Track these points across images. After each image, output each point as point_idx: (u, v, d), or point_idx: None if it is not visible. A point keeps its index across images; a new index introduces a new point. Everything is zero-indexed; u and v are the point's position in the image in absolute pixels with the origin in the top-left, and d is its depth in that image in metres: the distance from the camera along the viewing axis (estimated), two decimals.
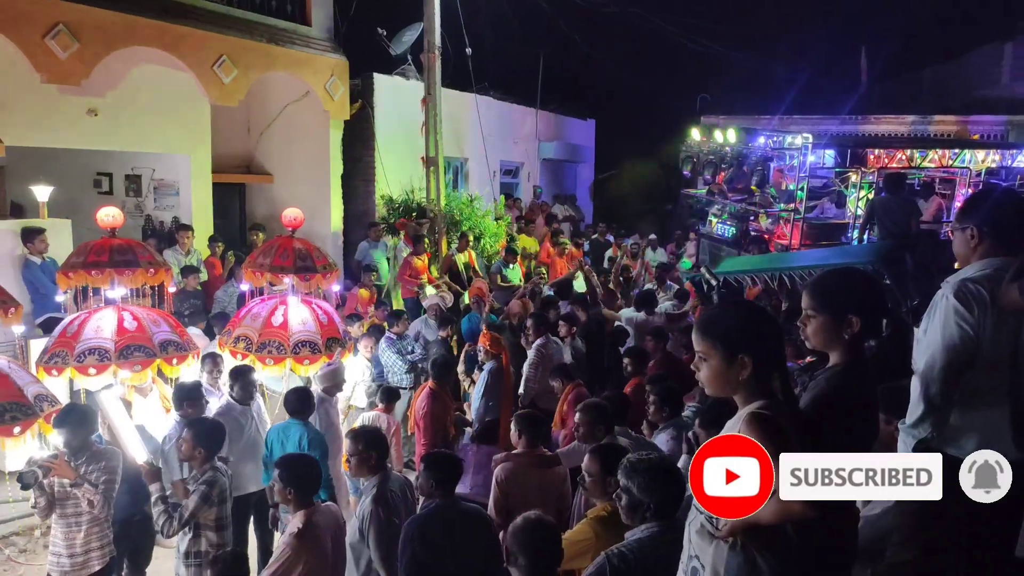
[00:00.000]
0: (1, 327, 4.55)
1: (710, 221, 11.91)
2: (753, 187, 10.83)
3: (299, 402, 5.06)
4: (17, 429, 3.94)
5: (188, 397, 4.87)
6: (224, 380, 5.55)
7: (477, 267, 11.09)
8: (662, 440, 4.48)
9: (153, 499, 4.01)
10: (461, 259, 10.84)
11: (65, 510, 4.12)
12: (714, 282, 7.48)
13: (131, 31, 8.61)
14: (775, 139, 10.09)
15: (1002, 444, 2.53)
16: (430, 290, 9.70)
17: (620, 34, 17.13)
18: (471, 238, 11.32)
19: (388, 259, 11.00)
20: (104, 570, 4.23)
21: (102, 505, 4.10)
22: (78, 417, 4.22)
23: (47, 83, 7.97)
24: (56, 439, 4.32)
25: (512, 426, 4.41)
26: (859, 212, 9.12)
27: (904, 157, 9.25)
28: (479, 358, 6.54)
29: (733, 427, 2.03)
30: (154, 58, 9.16)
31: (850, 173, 9.51)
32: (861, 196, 9.24)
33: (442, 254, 11.15)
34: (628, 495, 2.77)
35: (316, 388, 5.65)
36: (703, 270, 8.10)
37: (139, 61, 9.21)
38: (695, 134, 12.15)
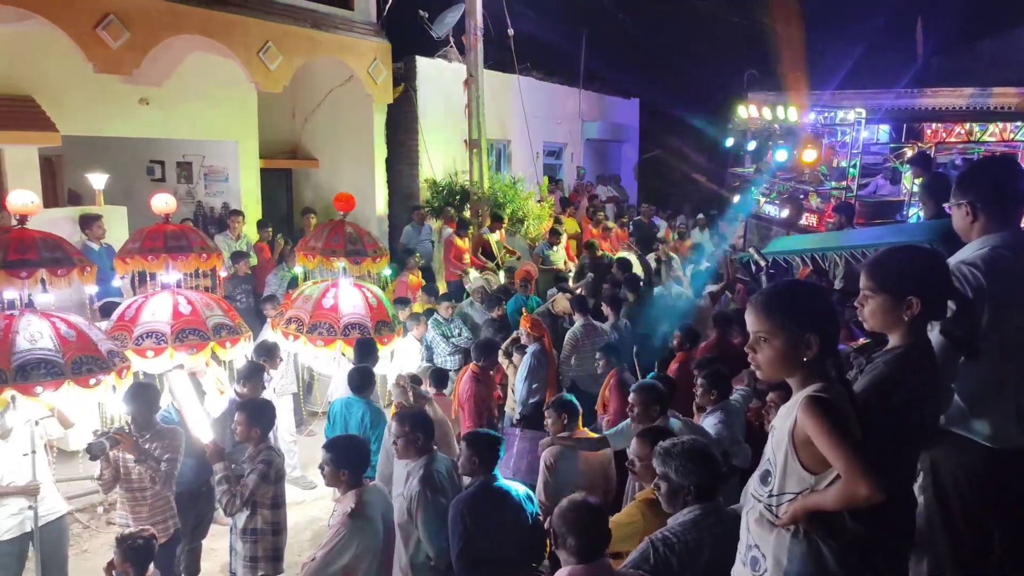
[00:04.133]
0: (78, 287, 4.74)
1: (758, 200, 11.68)
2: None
3: (361, 380, 5.18)
4: (93, 381, 4.09)
5: (249, 377, 5.00)
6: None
7: (506, 244, 11.02)
8: (710, 423, 4.43)
9: (217, 478, 4.11)
10: (493, 238, 10.82)
11: (131, 484, 4.28)
12: (763, 262, 7.34)
13: (179, 19, 8.74)
14: (827, 115, 9.82)
15: (1008, 430, 2.46)
16: (474, 274, 9.73)
17: (664, 9, 16.80)
18: (504, 218, 11.27)
19: (432, 242, 11.06)
20: (169, 543, 4.37)
21: (164, 482, 4.25)
22: (145, 394, 4.43)
23: (100, 73, 8.14)
24: (121, 408, 4.48)
25: (551, 411, 4.41)
26: (915, 189, 8.84)
27: (963, 131, 8.95)
28: (522, 341, 6.54)
29: (789, 411, 1.99)
30: (202, 46, 9.30)
31: (906, 148, 9.22)
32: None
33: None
34: (667, 481, 2.76)
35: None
36: (751, 250, 7.95)
37: (188, 49, 9.36)
38: (742, 111, 11.90)
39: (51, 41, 7.92)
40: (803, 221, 9.98)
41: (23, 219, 4.48)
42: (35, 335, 4.02)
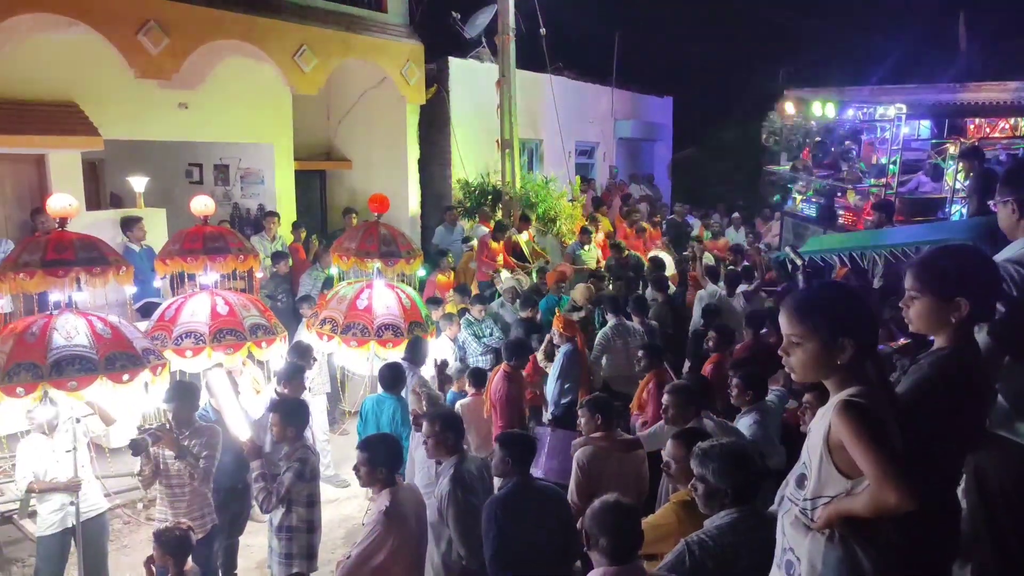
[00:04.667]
0: (114, 287, 4.84)
1: (794, 198, 11.51)
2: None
3: (392, 377, 5.23)
4: (126, 376, 4.18)
5: (290, 378, 5.07)
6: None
7: (536, 247, 10.99)
8: (744, 424, 4.37)
9: (254, 475, 4.16)
10: (522, 239, 10.79)
11: (170, 480, 4.37)
12: (799, 262, 7.22)
13: (217, 25, 8.89)
14: (866, 111, 9.64)
15: None
16: (505, 274, 9.72)
17: (699, 6, 16.64)
18: (532, 219, 11.25)
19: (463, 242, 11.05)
20: (206, 538, 4.44)
21: (202, 478, 4.33)
22: (186, 393, 4.55)
23: (140, 78, 8.32)
24: (160, 405, 4.65)
25: (585, 411, 4.38)
26: (957, 186, 8.62)
27: (1007, 126, 8.70)
28: (554, 341, 6.51)
29: (824, 415, 1.95)
30: (239, 50, 9.44)
31: (948, 144, 9.00)
32: (960, 168, 8.74)
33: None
34: (704, 483, 2.73)
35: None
36: (788, 249, 7.83)
37: (226, 54, 9.51)
38: (778, 108, 11.74)
39: (93, 48, 8.10)
40: (840, 219, 9.80)
41: (63, 222, 4.60)
42: (71, 332, 4.14)
